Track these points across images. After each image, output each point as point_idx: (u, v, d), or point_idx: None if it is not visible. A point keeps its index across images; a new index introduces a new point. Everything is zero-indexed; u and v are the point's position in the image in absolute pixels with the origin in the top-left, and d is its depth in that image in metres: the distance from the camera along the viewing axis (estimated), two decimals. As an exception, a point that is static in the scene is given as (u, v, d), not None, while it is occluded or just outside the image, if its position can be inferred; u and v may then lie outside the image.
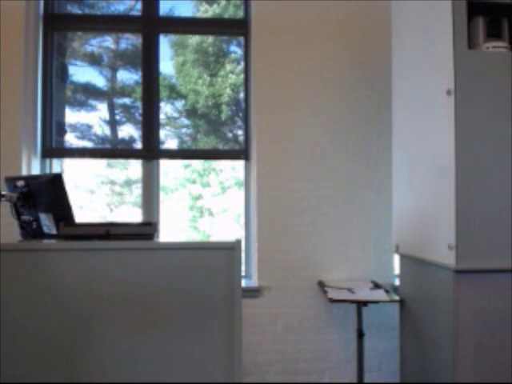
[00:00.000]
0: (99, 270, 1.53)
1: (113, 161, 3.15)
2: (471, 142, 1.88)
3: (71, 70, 3.06)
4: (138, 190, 3.05)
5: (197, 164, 3.23)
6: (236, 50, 3.15)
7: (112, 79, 3.13)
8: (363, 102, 2.87)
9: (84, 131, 3.07)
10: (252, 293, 2.76)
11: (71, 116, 3.06)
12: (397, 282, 2.77)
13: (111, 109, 3.12)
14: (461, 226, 1.86)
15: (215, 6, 3.12)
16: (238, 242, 1.59)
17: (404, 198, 2.43)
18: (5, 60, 2.68)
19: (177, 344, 1.54)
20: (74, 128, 3.06)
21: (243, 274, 2.91)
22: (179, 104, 3.13)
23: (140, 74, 3.03)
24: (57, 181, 1.69)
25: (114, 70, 3.13)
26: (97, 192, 3.14)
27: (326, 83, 2.86)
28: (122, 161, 3.16)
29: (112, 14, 3.09)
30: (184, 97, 3.11)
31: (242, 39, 3.06)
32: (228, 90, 3.08)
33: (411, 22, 2.32)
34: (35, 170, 2.84)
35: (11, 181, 1.80)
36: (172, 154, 3.07)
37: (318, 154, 2.84)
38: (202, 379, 1.54)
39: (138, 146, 3.03)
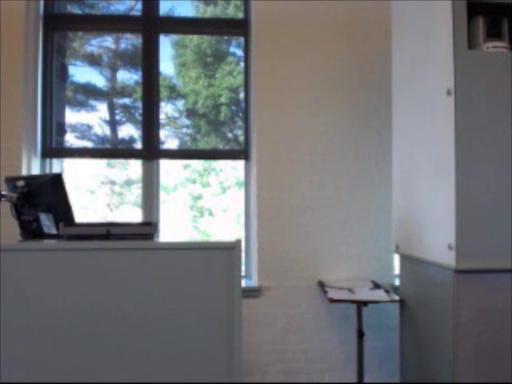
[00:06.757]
0: (99, 269, 1.53)
1: (113, 161, 3.15)
2: (471, 142, 1.88)
3: (71, 70, 3.06)
4: (138, 190, 3.05)
5: (197, 164, 3.23)
6: (236, 50, 3.15)
7: (112, 79, 3.13)
8: (363, 101, 2.87)
9: (84, 131, 3.07)
10: (252, 293, 2.76)
11: (71, 116, 3.06)
12: (397, 282, 2.77)
13: (111, 109, 3.12)
14: (461, 225, 1.86)
15: (213, 5, 3.12)
16: (238, 242, 1.59)
17: (404, 198, 2.43)
18: (5, 60, 2.68)
19: (176, 344, 1.54)
20: (74, 128, 3.06)
21: (243, 274, 2.91)
22: (179, 104, 3.13)
23: (140, 74, 3.03)
24: (57, 181, 1.69)
25: (114, 70, 3.12)
26: (97, 192, 3.14)
27: (326, 83, 2.86)
28: (121, 161, 3.16)
29: (112, 14, 3.09)
30: (184, 97, 3.11)
31: (241, 39, 3.07)
32: (228, 90, 3.08)
33: (411, 22, 2.32)
34: (35, 170, 2.84)
35: (11, 181, 1.80)
36: (172, 154, 3.07)
37: (318, 154, 2.84)
38: (202, 379, 1.54)
39: (138, 146, 3.03)
